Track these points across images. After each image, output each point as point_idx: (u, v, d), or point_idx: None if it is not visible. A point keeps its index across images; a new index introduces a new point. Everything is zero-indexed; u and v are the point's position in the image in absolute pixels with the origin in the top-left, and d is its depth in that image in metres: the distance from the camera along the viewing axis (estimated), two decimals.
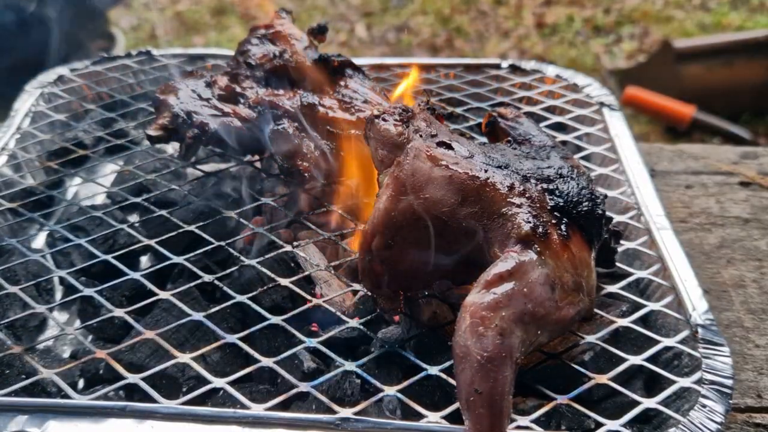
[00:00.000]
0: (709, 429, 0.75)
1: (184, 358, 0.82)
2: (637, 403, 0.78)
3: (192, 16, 3.85)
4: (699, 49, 2.97)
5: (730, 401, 0.79)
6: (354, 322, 0.88)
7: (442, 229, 0.78)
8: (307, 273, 0.97)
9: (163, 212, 1.06)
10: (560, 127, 1.33)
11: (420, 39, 3.65)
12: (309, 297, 0.91)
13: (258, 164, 1.17)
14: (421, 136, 0.84)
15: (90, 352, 0.84)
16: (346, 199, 1.10)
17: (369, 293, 0.87)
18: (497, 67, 1.49)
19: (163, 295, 0.91)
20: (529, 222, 0.75)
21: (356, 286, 0.94)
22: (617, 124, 1.29)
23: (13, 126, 1.28)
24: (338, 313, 0.89)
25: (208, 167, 1.22)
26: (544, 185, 0.81)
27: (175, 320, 0.88)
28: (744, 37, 3.07)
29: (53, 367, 0.83)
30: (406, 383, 0.79)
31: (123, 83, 1.43)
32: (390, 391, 0.78)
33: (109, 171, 1.26)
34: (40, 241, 1.15)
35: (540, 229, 0.75)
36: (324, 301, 0.91)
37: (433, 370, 0.80)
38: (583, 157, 1.22)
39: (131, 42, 3.44)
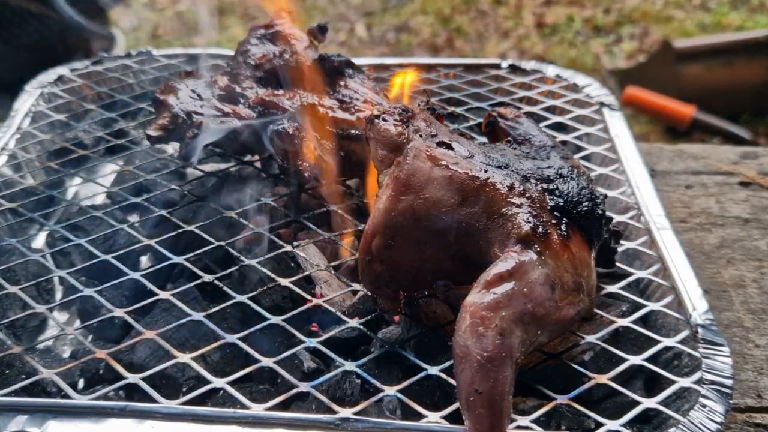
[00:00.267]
0: (709, 429, 0.75)
1: (184, 358, 0.82)
2: (637, 403, 0.78)
3: (192, 16, 3.85)
4: (699, 49, 2.97)
5: (730, 401, 0.79)
6: (354, 322, 0.88)
7: (442, 230, 0.78)
8: (307, 273, 0.97)
9: (164, 212, 1.06)
10: (560, 127, 1.33)
11: (420, 39, 3.65)
12: (309, 297, 0.91)
13: (258, 164, 1.17)
14: (421, 136, 0.84)
15: (90, 352, 0.84)
16: (346, 199, 1.10)
17: (369, 293, 0.87)
18: (497, 67, 1.49)
19: (163, 295, 0.91)
20: (529, 222, 0.75)
21: (356, 286, 0.94)
22: (617, 124, 1.29)
23: (13, 126, 1.28)
24: (338, 313, 0.89)
25: (208, 167, 1.22)
26: (544, 185, 0.81)
27: (175, 320, 0.88)
28: (744, 37, 3.07)
29: (53, 367, 0.83)
30: (406, 383, 0.79)
31: (123, 83, 1.43)
32: (390, 391, 0.78)
33: (109, 171, 1.26)
34: (40, 241, 1.15)
35: (540, 229, 0.75)
36: (324, 301, 0.91)
37: (433, 370, 0.80)
38: (583, 157, 1.22)
39: (131, 42, 3.44)
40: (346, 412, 0.75)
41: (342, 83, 1.10)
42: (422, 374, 0.80)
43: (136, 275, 0.94)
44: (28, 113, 1.32)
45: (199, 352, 0.84)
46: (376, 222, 0.79)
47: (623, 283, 0.96)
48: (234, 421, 0.74)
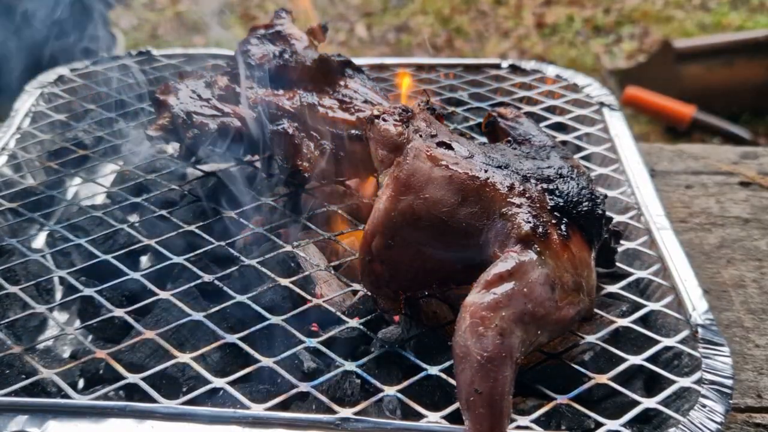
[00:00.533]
0: (709, 429, 0.75)
1: (184, 358, 0.82)
2: (637, 403, 0.78)
3: (192, 16, 3.85)
4: (699, 49, 2.97)
5: (730, 401, 0.79)
6: (354, 322, 0.88)
7: (442, 230, 0.78)
8: (307, 273, 0.97)
9: (164, 212, 1.06)
10: (560, 127, 1.33)
11: (420, 39, 3.65)
12: (309, 297, 0.91)
13: (258, 164, 1.17)
14: (421, 136, 0.84)
15: (90, 352, 0.84)
16: (346, 199, 1.10)
17: (369, 293, 0.87)
18: (497, 67, 1.49)
19: (163, 295, 0.91)
20: (529, 222, 0.75)
21: (356, 286, 0.94)
22: (617, 124, 1.29)
23: (13, 126, 1.28)
24: (338, 313, 0.89)
25: (208, 167, 1.22)
26: (544, 185, 0.81)
27: (175, 320, 0.88)
28: (744, 37, 3.07)
29: (53, 367, 0.83)
30: (406, 383, 0.79)
31: (123, 83, 1.43)
32: (390, 391, 0.78)
33: (109, 171, 1.26)
34: (40, 241, 1.15)
35: (540, 229, 0.75)
36: (324, 301, 0.91)
37: (433, 370, 0.80)
38: (583, 157, 1.22)
39: (131, 42, 3.44)
40: (346, 412, 0.75)
41: (342, 83, 1.10)
42: (422, 374, 0.80)
43: (136, 275, 0.94)
44: (28, 113, 1.32)
45: (199, 352, 0.84)
46: (376, 222, 0.79)
47: (623, 283, 0.96)
48: (234, 421, 0.74)
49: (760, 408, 0.93)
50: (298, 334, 0.85)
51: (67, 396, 0.78)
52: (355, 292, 0.96)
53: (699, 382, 0.81)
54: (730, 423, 0.91)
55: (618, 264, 0.96)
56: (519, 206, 0.77)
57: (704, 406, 0.78)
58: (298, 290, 0.92)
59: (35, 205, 1.11)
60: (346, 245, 1.01)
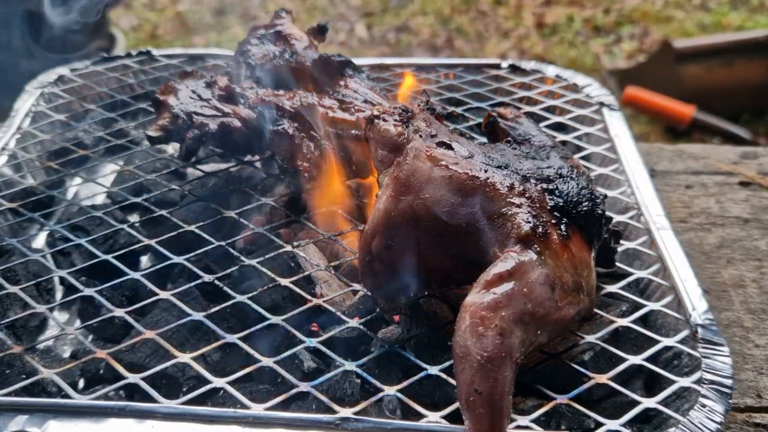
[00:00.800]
0: (708, 429, 0.75)
1: (184, 358, 0.82)
2: (637, 403, 0.78)
3: (192, 16, 3.85)
4: (699, 49, 2.97)
5: (730, 401, 0.79)
6: (354, 322, 0.88)
7: (442, 230, 0.78)
8: (307, 273, 0.97)
9: (164, 212, 1.06)
10: (560, 127, 1.33)
11: (420, 39, 3.65)
12: (309, 297, 0.91)
13: (258, 164, 1.17)
14: (420, 136, 0.84)
15: (90, 352, 0.84)
16: (346, 199, 1.10)
17: (369, 293, 0.87)
18: (497, 67, 1.49)
19: (163, 295, 0.91)
20: (529, 222, 0.75)
21: (356, 286, 0.94)
22: (617, 124, 1.29)
23: (13, 126, 1.28)
24: (338, 313, 0.89)
25: (208, 167, 1.22)
26: (544, 185, 0.81)
27: (175, 320, 0.88)
28: (744, 37, 3.07)
29: (53, 367, 0.83)
30: (406, 383, 0.79)
31: (123, 83, 1.43)
32: (390, 391, 0.78)
33: (109, 171, 1.27)
34: (40, 241, 1.16)
35: (540, 229, 0.75)
36: (324, 301, 0.91)
37: (433, 370, 0.80)
38: (582, 157, 1.22)
39: (131, 42, 3.44)
40: (346, 412, 0.75)
41: (342, 83, 1.10)
42: (422, 374, 0.80)
43: (136, 275, 0.94)
44: (29, 113, 1.32)
45: (199, 352, 0.84)
46: (376, 222, 0.79)
47: (623, 283, 0.96)
48: (234, 421, 0.75)
49: (759, 408, 0.93)
50: (298, 334, 0.85)
51: (67, 396, 0.78)
52: (355, 292, 0.96)
53: (699, 381, 0.81)
54: (729, 423, 0.91)
55: (618, 264, 0.96)
56: (519, 206, 0.77)
57: (704, 405, 0.78)
58: (298, 290, 0.92)
59: (35, 205, 1.11)
60: (346, 245, 1.01)
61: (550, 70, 1.47)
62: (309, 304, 0.90)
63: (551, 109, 1.37)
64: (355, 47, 3.56)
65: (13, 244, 1.04)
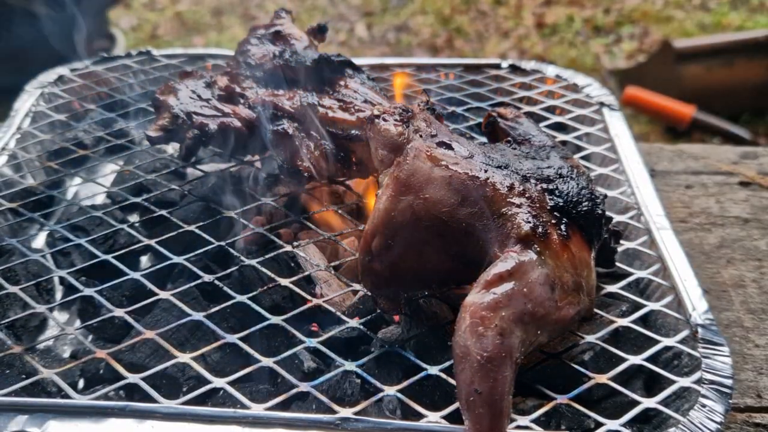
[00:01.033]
0: (708, 429, 0.75)
1: (184, 358, 0.82)
2: (637, 403, 0.78)
3: (192, 16, 3.85)
4: (699, 49, 2.97)
5: (730, 401, 0.79)
6: (354, 322, 0.88)
7: (442, 230, 0.78)
8: (307, 273, 0.97)
9: (164, 212, 1.06)
10: (560, 127, 1.33)
11: (420, 39, 3.65)
12: (309, 297, 0.91)
13: (258, 164, 1.17)
14: (421, 136, 0.84)
15: (90, 352, 0.84)
16: (346, 199, 1.10)
17: (369, 293, 0.87)
18: (497, 67, 1.49)
19: (163, 295, 0.91)
20: (529, 222, 0.75)
21: (356, 286, 0.94)
22: (617, 124, 1.29)
23: (13, 126, 1.28)
24: (338, 313, 0.89)
25: (208, 167, 1.22)
26: (544, 185, 0.81)
27: (175, 320, 0.88)
28: (744, 37, 3.07)
29: (53, 367, 0.83)
30: (406, 383, 0.79)
31: (123, 83, 1.43)
32: (390, 391, 0.78)
33: (109, 171, 1.27)
34: (40, 241, 1.16)
35: (540, 229, 0.75)
36: (324, 301, 0.91)
37: (433, 370, 0.80)
38: (583, 157, 1.22)
39: (131, 42, 3.44)
40: (346, 412, 0.75)
41: (342, 83, 1.10)
42: (422, 374, 0.80)
43: (136, 275, 0.94)
44: (28, 113, 1.32)
45: (199, 352, 0.84)
46: (376, 222, 0.79)
47: (623, 283, 0.96)
48: (234, 421, 0.75)
49: (759, 408, 0.93)
50: (298, 334, 0.85)
51: (67, 396, 0.78)
52: (355, 292, 0.96)
53: (699, 381, 0.81)
54: (729, 423, 0.91)
55: (618, 264, 0.96)
56: (519, 206, 0.77)
57: (704, 405, 0.78)
58: (298, 290, 0.92)
59: (35, 205, 1.11)
60: (346, 245, 1.01)
61: (550, 70, 1.47)
62: (309, 304, 0.90)
63: (551, 109, 1.37)
64: (355, 47, 3.56)
65: (13, 244, 1.04)
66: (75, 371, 0.90)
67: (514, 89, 1.43)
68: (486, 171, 0.80)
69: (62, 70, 1.44)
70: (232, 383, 0.79)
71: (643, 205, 1.09)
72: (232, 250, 0.98)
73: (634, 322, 0.89)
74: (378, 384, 0.79)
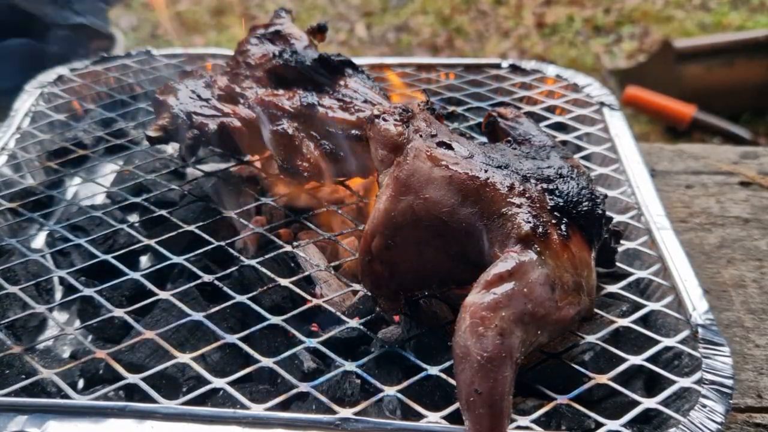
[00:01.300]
0: (709, 429, 0.75)
1: (184, 358, 0.82)
2: (637, 403, 0.78)
3: (192, 16, 3.85)
4: (699, 49, 2.97)
5: (730, 401, 0.79)
6: (354, 322, 0.88)
7: (442, 230, 0.78)
8: (307, 273, 0.97)
9: (163, 212, 1.06)
10: (560, 127, 1.32)
11: (420, 39, 3.65)
12: (309, 297, 0.91)
13: (258, 164, 1.17)
14: (421, 136, 0.83)
15: (90, 352, 0.84)
16: (346, 199, 1.10)
17: (369, 293, 0.87)
18: (497, 66, 1.49)
19: (163, 295, 0.91)
20: (529, 222, 0.75)
21: (356, 286, 0.94)
22: (617, 124, 1.29)
23: (13, 126, 1.28)
24: (338, 313, 0.89)
25: (208, 167, 1.22)
26: (544, 185, 0.81)
27: (175, 320, 0.88)
28: (744, 37, 3.07)
29: (53, 367, 0.83)
30: (406, 383, 0.79)
31: (123, 83, 1.43)
32: (390, 391, 0.78)
33: (108, 171, 1.26)
34: (40, 241, 1.15)
35: (540, 229, 0.75)
36: (324, 301, 0.91)
37: (433, 370, 0.80)
38: (583, 157, 1.22)
39: (131, 42, 3.44)
40: (346, 412, 0.75)
41: (342, 83, 1.10)
42: (422, 374, 0.80)
43: (136, 275, 0.94)
44: (28, 113, 1.31)
45: (199, 352, 0.84)
46: (376, 222, 0.79)
47: (623, 283, 0.96)
48: (234, 421, 0.74)
49: (760, 408, 0.93)
50: (298, 334, 0.85)
51: (67, 396, 0.78)
52: (355, 292, 0.96)
53: (699, 382, 0.81)
54: (730, 423, 0.91)
55: (618, 264, 0.96)
56: (519, 206, 0.77)
57: (704, 406, 0.78)
58: (298, 290, 0.92)
59: (35, 205, 1.11)
60: (346, 245, 1.01)
61: (551, 70, 1.47)
62: (309, 304, 0.90)
63: (551, 109, 1.37)
64: (355, 47, 3.56)
65: (13, 244, 1.04)
66: (75, 371, 0.90)
67: (514, 89, 1.43)
68: (486, 171, 0.80)
69: (62, 70, 1.44)
70: (231, 383, 0.79)
71: (644, 205, 1.09)
72: (231, 251, 0.98)
73: (634, 322, 0.89)
74: (378, 384, 0.79)
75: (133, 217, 1.18)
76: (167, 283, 1.01)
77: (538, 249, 0.74)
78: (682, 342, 0.87)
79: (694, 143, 2.07)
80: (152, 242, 1.00)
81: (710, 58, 2.94)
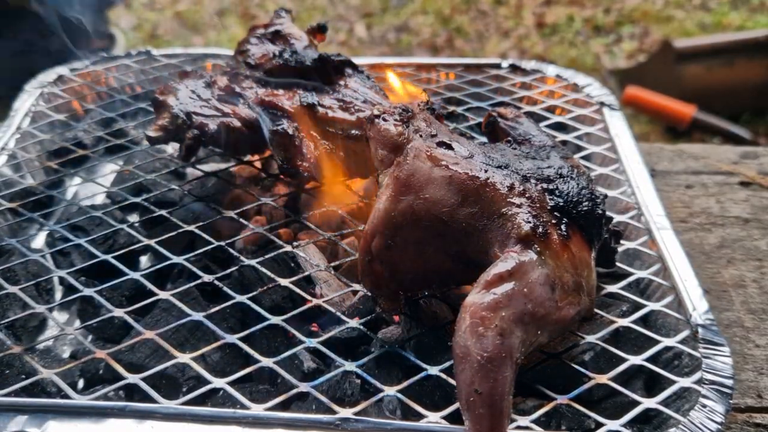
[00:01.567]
0: (709, 429, 0.75)
1: (184, 358, 0.82)
2: (637, 403, 0.78)
3: (192, 16, 3.85)
4: (699, 49, 2.97)
5: (731, 401, 0.79)
6: (354, 322, 0.88)
7: (442, 230, 0.77)
8: (307, 273, 0.97)
9: (163, 212, 1.06)
10: (560, 127, 1.32)
11: (420, 39, 3.65)
12: (309, 297, 0.91)
13: (258, 164, 1.17)
14: (421, 136, 0.83)
15: (90, 352, 0.84)
16: (346, 199, 1.10)
17: (369, 293, 0.87)
18: (497, 66, 1.49)
19: (163, 295, 0.91)
20: (529, 222, 0.75)
21: (356, 286, 0.94)
22: (617, 124, 1.29)
23: (13, 126, 1.28)
24: (338, 313, 0.89)
25: (208, 167, 1.22)
26: (544, 185, 0.81)
27: (175, 320, 0.88)
28: (744, 37, 3.07)
29: (53, 367, 0.83)
30: (406, 383, 0.79)
31: (123, 83, 1.43)
32: (390, 391, 0.78)
33: (108, 171, 1.26)
34: (40, 241, 1.15)
35: (540, 229, 0.75)
36: (324, 301, 0.91)
37: (433, 370, 0.80)
38: (583, 157, 1.22)
39: (131, 42, 3.44)
40: (346, 412, 0.75)
41: (342, 83, 1.10)
42: (422, 374, 0.80)
43: (136, 275, 0.94)
44: (28, 113, 1.31)
45: (199, 352, 0.84)
46: (376, 222, 0.79)
47: (623, 283, 0.96)
48: (234, 421, 0.74)
49: (760, 408, 0.93)
50: (298, 334, 0.85)
51: (66, 396, 0.78)
52: (355, 292, 0.96)
53: (699, 382, 0.81)
54: (730, 423, 0.91)
55: (618, 264, 0.96)
56: (519, 206, 0.77)
57: (704, 406, 0.78)
58: (298, 290, 0.92)
59: (35, 205, 1.11)
60: (346, 245, 1.01)
61: (551, 70, 1.47)
62: (309, 305, 0.90)
63: (551, 109, 1.37)
64: (355, 47, 3.56)
65: (13, 244, 1.04)
66: (75, 371, 0.90)
67: (514, 89, 1.43)
68: (486, 171, 0.80)
69: (62, 70, 1.44)
70: (231, 383, 0.79)
71: (644, 205, 1.09)
72: (231, 250, 0.98)
73: (634, 322, 0.89)
74: (378, 384, 0.79)
75: (133, 217, 1.18)
76: (167, 283, 1.01)
77: (538, 249, 0.74)
78: (682, 342, 0.87)
79: (694, 143, 2.07)
80: (152, 242, 1.00)
81: (710, 58, 2.94)
